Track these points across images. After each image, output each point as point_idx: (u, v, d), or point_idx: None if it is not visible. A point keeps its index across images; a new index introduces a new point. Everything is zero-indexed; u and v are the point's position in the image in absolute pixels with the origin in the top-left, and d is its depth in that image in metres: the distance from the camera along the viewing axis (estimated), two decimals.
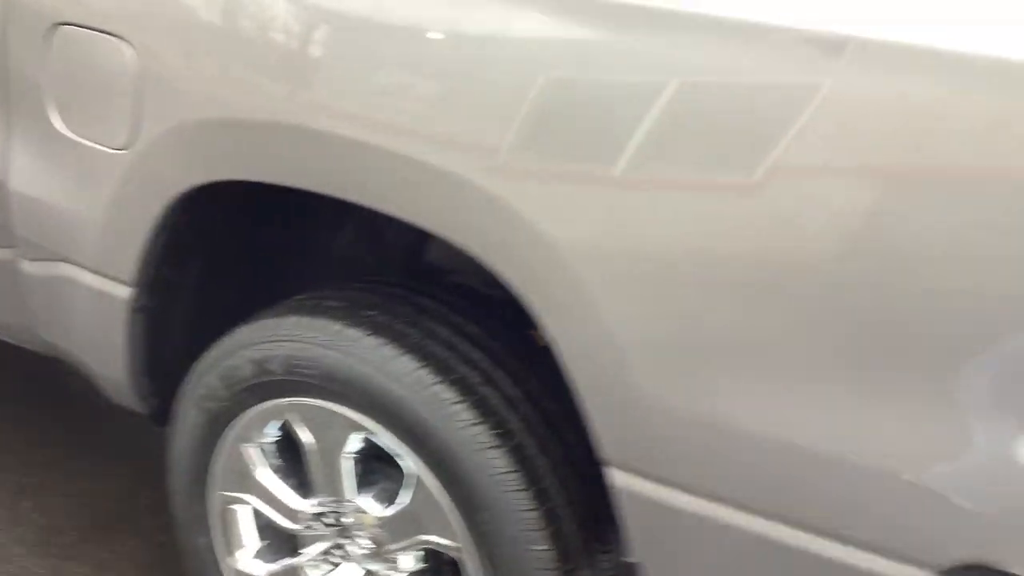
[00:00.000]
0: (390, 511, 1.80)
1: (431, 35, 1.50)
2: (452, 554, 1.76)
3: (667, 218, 1.39)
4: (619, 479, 1.55)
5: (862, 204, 1.27)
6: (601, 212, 1.41)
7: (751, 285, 1.36)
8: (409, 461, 1.73)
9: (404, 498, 1.76)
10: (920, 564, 1.36)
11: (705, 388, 1.43)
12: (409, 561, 1.84)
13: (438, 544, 1.76)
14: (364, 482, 1.84)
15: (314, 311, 1.79)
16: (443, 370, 1.69)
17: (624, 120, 1.37)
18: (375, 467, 1.83)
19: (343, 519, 1.89)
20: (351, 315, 1.77)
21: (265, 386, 1.81)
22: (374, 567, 1.90)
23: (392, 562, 1.87)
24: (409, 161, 1.52)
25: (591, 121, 1.40)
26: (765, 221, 1.33)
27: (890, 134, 1.24)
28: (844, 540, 1.40)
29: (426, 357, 1.69)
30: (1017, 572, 1.31)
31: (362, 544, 1.89)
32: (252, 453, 1.90)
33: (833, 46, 1.26)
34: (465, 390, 1.68)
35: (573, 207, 1.43)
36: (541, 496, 1.67)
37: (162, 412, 2.05)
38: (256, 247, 2.04)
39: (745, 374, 1.39)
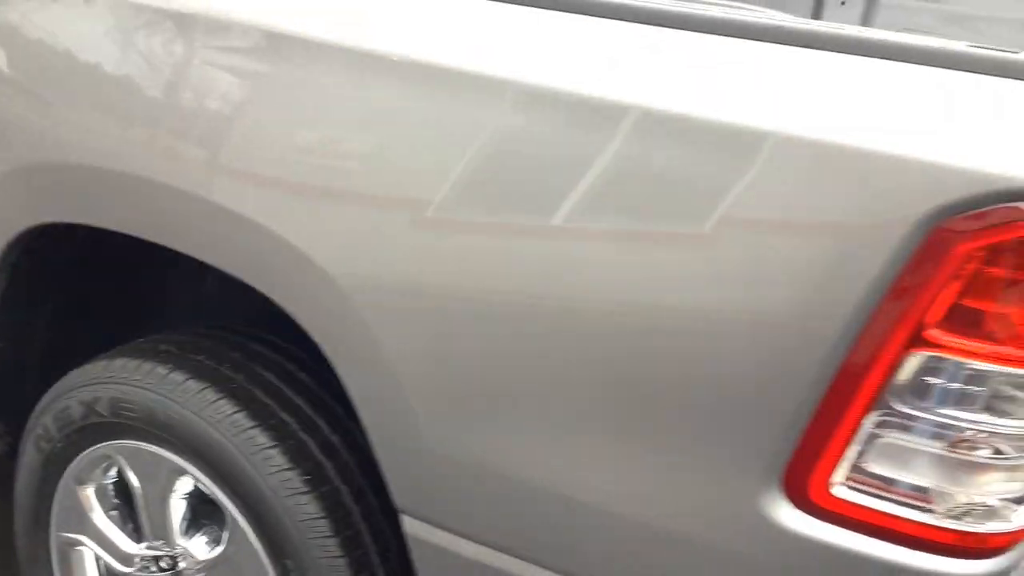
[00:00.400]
0: (212, 555, 1.80)
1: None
2: None
3: (444, 257, 1.40)
4: (409, 526, 1.55)
5: (603, 261, 1.29)
6: (377, 245, 1.43)
7: (516, 332, 1.37)
8: (227, 505, 1.74)
9: (224, 542, 1.77)
10: None
11: (480, 437, 1.44)
12: None
13: None
14: (195, 525, 1.85)
15: (144, 354, 1.81)
16: (260, 415, 1.70)
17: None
18: (206, 511, 1.84)
19: (179, 563, 1.89)
20: (179, 359, 1.78)
21: (95, 428, 1.83)
22: None
23: None
24: (184, 195, 1.54)
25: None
26: (532, 267, 1.35)
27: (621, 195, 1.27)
28: None
29: (245, 402, 1.71)
30: None
31: None
32: (88, 495, 1.91)
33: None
34: (280, 435, 1.69)
35: (346, 238, 1.44)
36: (350, 543, 1.67)
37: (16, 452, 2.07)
38: (117, 290, 2.07)
39: (516, 424, 1.40)
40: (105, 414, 1.80)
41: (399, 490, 1.54)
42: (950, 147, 1.13)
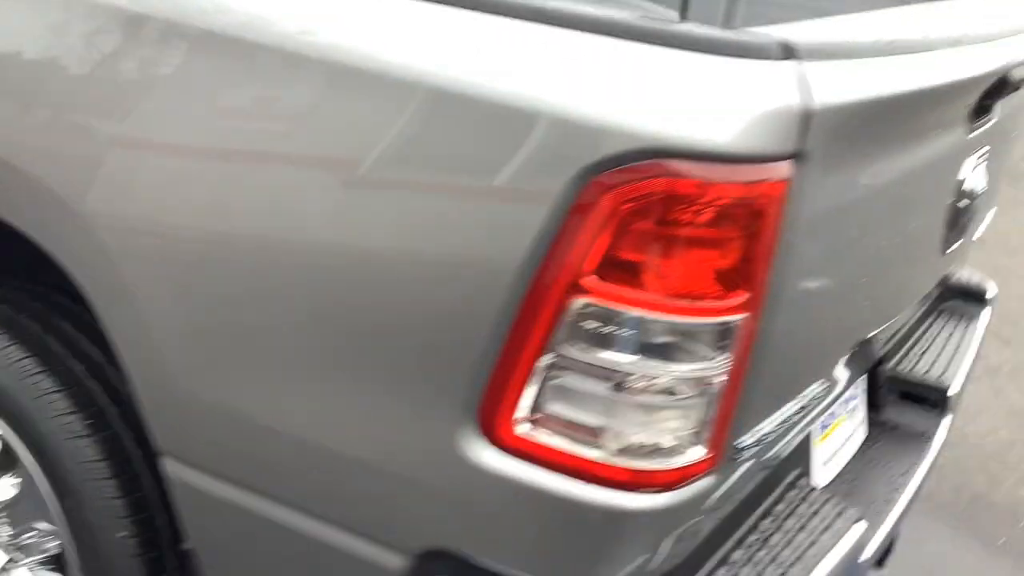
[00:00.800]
0: (8, 496, 1.87)
1: None
2: (55, 541, 1.83)
3: (179, 194, 1.47)
4: (168, 467, 1.63)
5: (325, 203, 1.37)
6: (116, 180, 1.49)
7: (237, 271, 1.45)
8: (17, 448, 1.81)
9: (19, 485, 1.84)
10: (395, 548, 1.45)
11: (221, 376, 1.51)
12: (34, 550, 1.91)
13: (44, 531, 1.83)
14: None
15: None
16: (50, 362, 1.78)
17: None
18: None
19: None
20: None
21: None
22: (14, 555, 1.97)
23: (24, 549, 1.94)
24: None
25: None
26: (246, 206, 1.42)
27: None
28: (344, 527, 1.49)
29: (35, 349, 1.78)
30: (470, 554, 1.40)
31: (2, 532, 1.96)
32: None
33: None
34: (66, 381, 1.76)
35: (87, 172, 1.50)
36: (128, 486, 1.75)
37: None
38: None
39: (247, 363, 1.48)
40: None
41: (157, 431, 1.62)
42: (604, 108, 1.21)
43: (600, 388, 1.29)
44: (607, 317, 1.25)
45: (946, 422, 2.35)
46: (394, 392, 1.38)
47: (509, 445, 1.34)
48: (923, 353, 2.47)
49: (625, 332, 1.25)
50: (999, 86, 1.74)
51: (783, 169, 1.22)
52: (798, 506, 1.81)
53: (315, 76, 1.34)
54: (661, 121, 1.18)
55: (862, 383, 2.25)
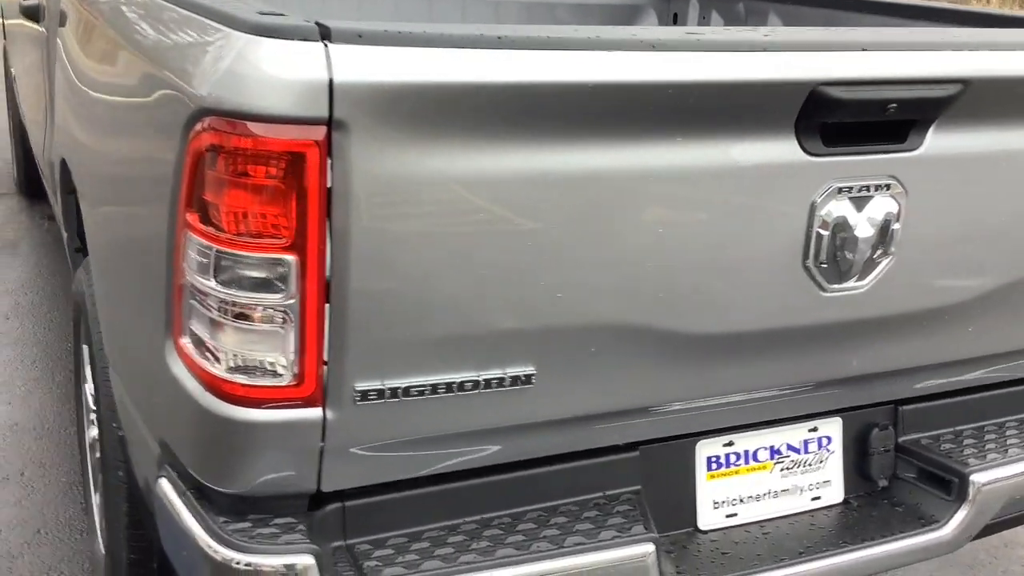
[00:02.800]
0: None
1: None
2: None
3: None
4: None
5: None
6: None
7: None
8: None
9: None
10: (152, 436, 1.83)
11: None
12: None
13: None
14: None
15: None
16: None
17: None
18: None
19: None
20: None
21: None
22: None
23: None
24: None
25: None
26: None
27: None
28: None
29: None
30: (176, 452, 1.74)
31: None
32: None
33: None
34: None
35: None
36: None
37: None
38: None
39: None
40: None
41: None
42: (188, 75, 1.55)
43: (210, 312, 1.57)
44: (201, 250, 1.55)
45: (961, 516, 2.07)
46: (146, 313, 1.77)
47: (181, 358, 1.66)
48: (982, 440, 2.20)
49: (214, 263, 1.54)
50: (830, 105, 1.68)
51: (317, 131, 1.44)
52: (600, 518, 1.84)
53: None
54: (221, 88, 1.48)
55: (837, 439, 2.10)
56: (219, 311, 1.57)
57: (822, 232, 1.79)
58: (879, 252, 1.86)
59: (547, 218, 1.61)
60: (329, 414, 1.61)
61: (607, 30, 1.63)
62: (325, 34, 1.44)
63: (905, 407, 2.17)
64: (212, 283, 1.55)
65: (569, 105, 1.57)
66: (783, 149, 1.73)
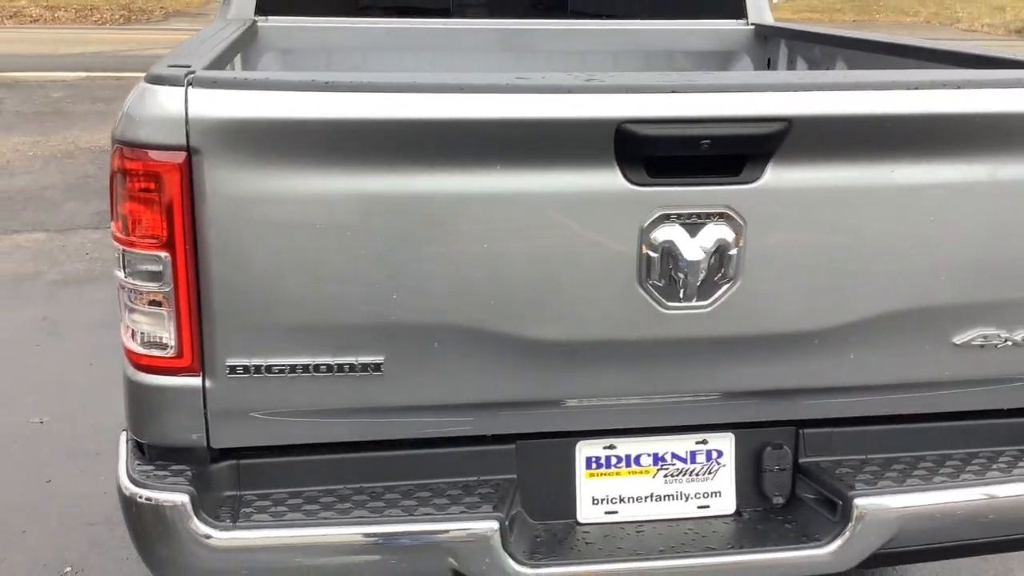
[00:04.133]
0: None
1: None
2: None
3: None
4: None
5: None
6: None
7: None
8: None
9: None
10: None
11: None
12: None
13: None
14: None
15: None
16: None
17: None
18: None
19: None
20: None
21: None
22: None
23: None
24: None
25: None
26: None
27: None
28: None
29: None
30: None
31: None
32: None
33: None
34: None
35: None
36: None
37: None
38: None
39: None
40: None
41: None
42: (117, 114, 2.01)
43: (126, 299, 2.03)
44: (118, 251, 2.01)
45: (843, 539, 2.16)
46: None
47: (122, 335, 2.13)
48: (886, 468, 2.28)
49: (122, 259, 2.00)
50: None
51: (179, 156, 1.87)
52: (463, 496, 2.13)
53: None
54: (123, 123, 1.94)
55: (729, 453, 2.26)
56: (129, 298, 2.02)
57: (652, 254, 2.00)
58: (720, 276, 2.03)
59: (379, 231, 1.94)
60: (207, 383, 2.01)
61: (427, 76, 1.95)
62: (190, 81, 1.87)
63: (808, 430, 2.28)
64: (123, 275, 2.01)
65: (391, 138, 1.90)
66: (607, 179, 1.96)
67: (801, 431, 2.29)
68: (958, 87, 2.03)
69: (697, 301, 2.05)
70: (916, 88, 2.01)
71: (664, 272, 2.01)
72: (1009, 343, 2.20)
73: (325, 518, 2.06)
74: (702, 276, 2.02)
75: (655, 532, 2.22)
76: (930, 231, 2.09)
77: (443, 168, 1.93)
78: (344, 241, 1.94)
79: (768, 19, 4.06)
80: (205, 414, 2.04)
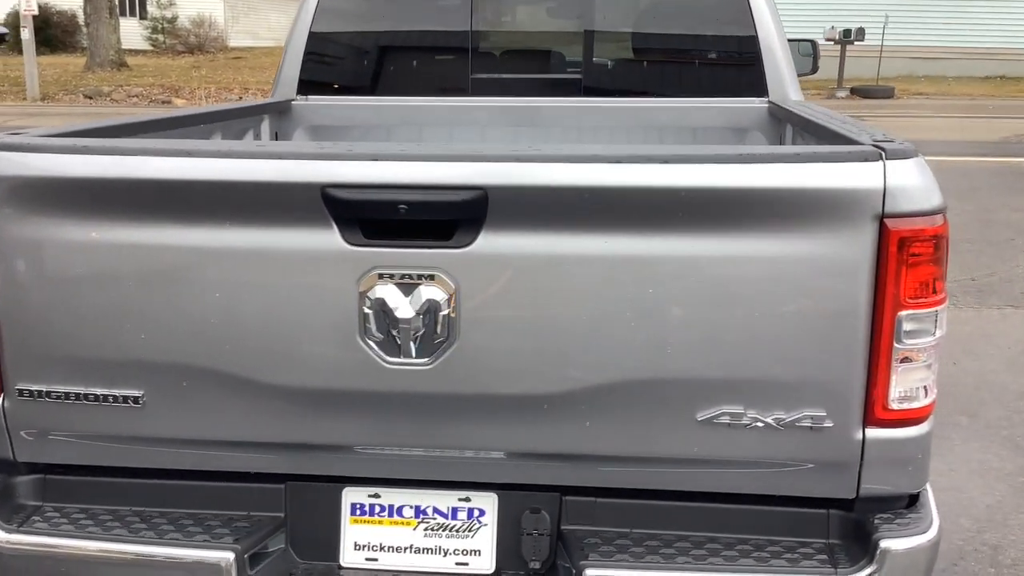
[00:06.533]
0: None
1: None
2: None
3: None
4: None
5: None
6: None
7: None
8: None
9: None
10: None
11: None
12: None
13: None
14: None
15: None
16: None
17: None
18: None
19: None
20: None
21: None
22: None
23: None
24: None
25: None
26: None
27: None
28: None
29: None
30: None
31: None
32: None
33: None
34: None
35: None
36: None
37: None
38: None
39: None
40: None
41: None
42: None
43: None
44: None
45: None
46: None
47: None
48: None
49: None
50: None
51: None
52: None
53: None
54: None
55: (491, 513, 2.32)
56: None
57: (368, 311, 2.13)
58: (439, 335, 2.13)
59: (129, 278, 2.20)
60: (6, 402, 2.33)
61: (166, 141, 2.20)
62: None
63: (569, 497, 2.30)
64: None
65: (135, 195, 2.17)
66: (326, 239, 2.12)
67: (564, 498, 2.30)
68: (665, 161, 2.04)
69: (417, 358, 2.15)
70: (616, 162, 2.04)
71: (382, 328, 2.14)
72: (760, 424, 2.13)
73: (90, 534, 2.31)
74: (418, 334, 2.13)
75: None
76: (650, 304, 2.09)
77: (181, 223, 2.16)
78: (100, 285, 2.21)
79: (791, 96, 4.00)
80: (7, 429, 2.35)
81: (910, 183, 2.04)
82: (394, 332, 2.13)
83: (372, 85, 4.35)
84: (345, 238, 2.12)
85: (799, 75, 5.80)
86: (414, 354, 2.15)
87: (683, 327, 2.10)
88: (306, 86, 4.28)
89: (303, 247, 2.14)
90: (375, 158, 2.09)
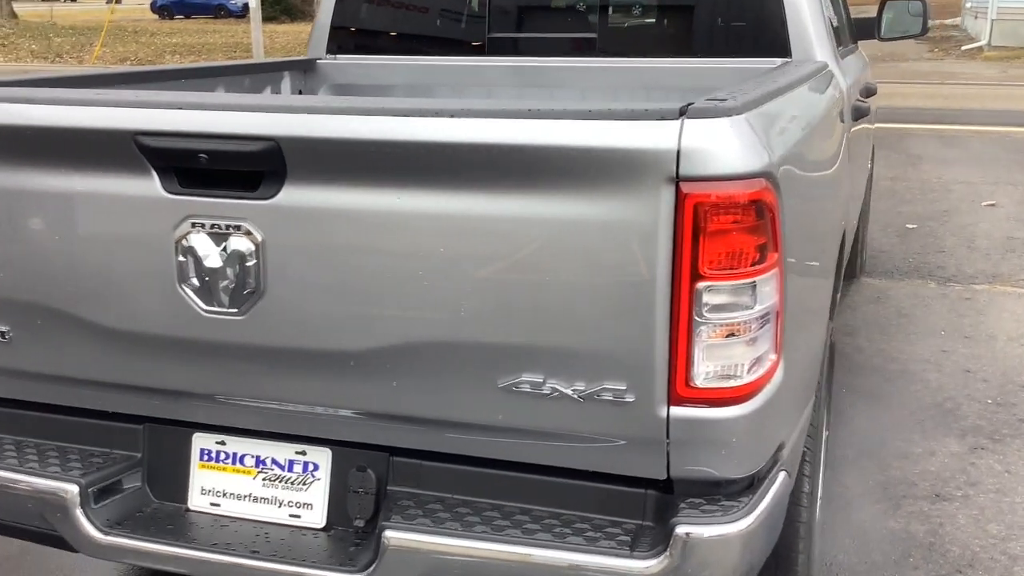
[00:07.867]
0: None
1: None
2: None
3: None
4: None
5: None
6: None
7: None
8: None
9: None
10: None
11: None
12: None
13: None
14: None
15: None
16: None
17: None
18: None
19: None
20: None
21: None
22: None
23: None
24: None
25: None
26: None
27: None
28: None
29: None
30: None
31: None
32: None
33: None
34: None
35: None
36: None
37: None
38: None
39: None
40: None
41: None
42: None
43: None
44: None
45: (373, 568, 2.16)
46: None
47: None
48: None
49: None
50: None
51: None
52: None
53: None
54: None
55: (325, 468, 2.32)
56: None
57: (183, 260, 2.17)
58: (248, 286, 2.14)
59: None
60: None
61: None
62: None
63: (397, 458, 2.26)
64: None
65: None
66: (146, 186, 2.17)
67: (392, 458, 2.27)
68: (452, 116, 1.96)
69: (230, 308, 2.17)
70: (404, 115, 1.99)
71: (199, 277, 2.17)
72: (558, 394, 2.04)
73: None
74: (228, 284, 2.15)
75: (241, 530, 2.33)
76: (443, 263, 2.02)
77: (23, 167, 2.26)
78: None
79: (816, 57, 3.73)
80: None
81: (712, 145, 1.88)
82: (207, 280, 2.16)
83: (395, 45, 4.38)
84: (164, 187, 2.16)
85: (906, 36, 5.41)
86: (227, 304, 2.17)
87: (477, 289, 2.03)
88: (333, 45, 4.37)
89: (128, 193, 2.19)
90: (180, 107, 2.12)
